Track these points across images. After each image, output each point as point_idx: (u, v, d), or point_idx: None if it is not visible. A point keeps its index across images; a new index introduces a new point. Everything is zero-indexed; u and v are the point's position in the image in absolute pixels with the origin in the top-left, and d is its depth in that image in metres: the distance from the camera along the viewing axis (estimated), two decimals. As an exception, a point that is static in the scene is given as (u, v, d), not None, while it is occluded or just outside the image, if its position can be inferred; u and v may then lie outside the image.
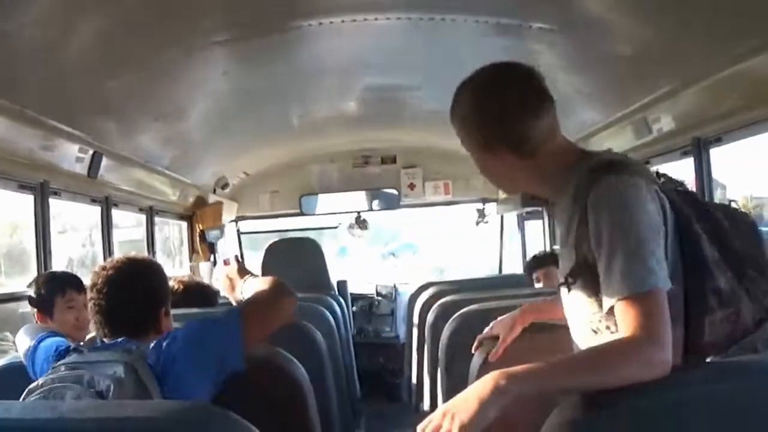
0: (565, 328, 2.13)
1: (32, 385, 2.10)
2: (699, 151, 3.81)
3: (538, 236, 7.43)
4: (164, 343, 2.21)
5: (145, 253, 4.09)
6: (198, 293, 3.85)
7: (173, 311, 3.26)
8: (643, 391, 1.40)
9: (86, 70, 3.38)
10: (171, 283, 3.84)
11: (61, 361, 2.18)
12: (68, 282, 3.44)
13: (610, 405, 1.36)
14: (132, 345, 2.23)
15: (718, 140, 3.72)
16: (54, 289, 3.38)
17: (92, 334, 2.40)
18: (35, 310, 3.39)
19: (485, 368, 2.30)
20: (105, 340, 2.30)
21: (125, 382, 2.07)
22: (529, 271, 5.10)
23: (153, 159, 5.21)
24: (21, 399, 2.06)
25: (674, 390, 1.41)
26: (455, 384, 3.00)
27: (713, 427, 1.35)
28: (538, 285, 4.92)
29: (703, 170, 3.82)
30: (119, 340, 2.25)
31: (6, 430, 1.40)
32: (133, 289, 2.38)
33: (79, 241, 5.58)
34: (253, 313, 2.35)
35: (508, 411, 1.52)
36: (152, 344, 2.22)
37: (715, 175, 3.87)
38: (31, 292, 3.41)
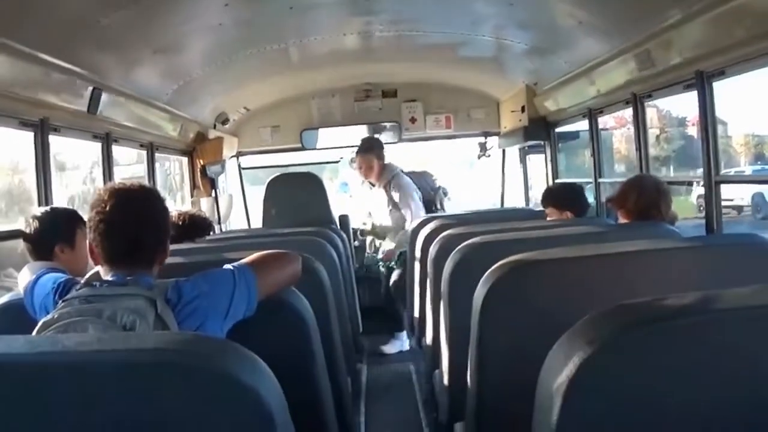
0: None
1: (46, 318, 2.06)
2: (702, 84, 3.78)
3: (540, 170, 7.42)
4: (183, 284, 2.19)
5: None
6: (193, 224, 3.95)
7: (187, 245, 3.27)
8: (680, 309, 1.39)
9: (85, 4, 3.33)
10: (172, 219, 3.89)
11: (72, 294, 2.13)
12: (81, 218, 3.27)
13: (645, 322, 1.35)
14: (149, 280, 2.21)
15: (721, 73, 3.68)
16: (74, 224, 3.26)
17: (95, 269, 2.32)
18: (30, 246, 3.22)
19: (488, 301, 2.30)
20: (108, 276, 2.24)
21: (148, 317, 2.05)
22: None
23: (153, 94, 5.17)
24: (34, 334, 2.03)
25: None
26: (458, 318, 3.01)
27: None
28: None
29: (706, 104, 3.80)
30: (136, 275, 2.20)
31: (17, 366, 1.39)
32: (149, 214, 2.31)
33: (79, 178, 5.56)
34: (264, 270, 2.36)
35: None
36: (171, 285, 2.18)
37: (716, 112, 3.85)
38: (30, 230, 3.23)
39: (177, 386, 1.37)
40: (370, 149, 6.57)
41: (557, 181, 6.99)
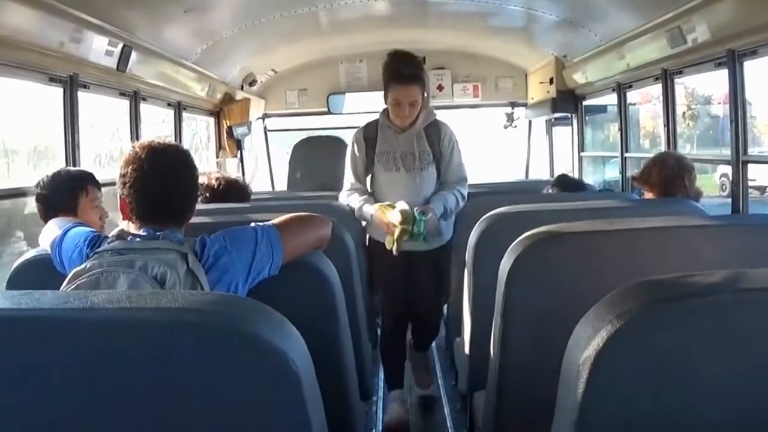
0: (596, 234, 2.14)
1: (78, 268, 2.08)
2: (733, 63, 3.75)
3: (566, 142, 7.39)
4: (207, 240, 2.22)
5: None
6: (237, 189, 3.94)
7: (214, 205, 3.29)
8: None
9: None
10: (209, 180, 3.91)
11: (105, 247, 2.16)
12: (89, 179, 3.18)
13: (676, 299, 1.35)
14: (179, 236, 2.24)
15: (753, 53, 3.65)
16: (76, 188, 3.11)
17: (120, 226, 2.33)
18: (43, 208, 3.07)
19: (514, 272, 2.29)
20: (140, 231, 2.25)
21: (179, 270, 2.08)
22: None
23: (182, 53, 5.17)
24: (64, 286, 2.05)
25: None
26: (481, 288, 3.01)
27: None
28: None
29: (736, 83, 3.76)
30: (166, 231, 2.22)
31: (45, 320, 1.40)
32: (183, 173, 2.33)
33: (106, 136, 5.58)
34: (290, 231, 2.37)
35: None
36: (197, 239, 2.22)
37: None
38: (46, 192, 3.08)
39: (205, 347, 1.37)
40: (418, 77, 4.15)
41: (583, 153, 6.96)
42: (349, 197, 4.24)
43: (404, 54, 4.15)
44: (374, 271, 4.35)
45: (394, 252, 3.99)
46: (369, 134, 4.31)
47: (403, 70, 4.10)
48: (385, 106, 4.26)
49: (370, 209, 4.11)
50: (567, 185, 4.65)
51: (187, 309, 1.41)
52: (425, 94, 4.22)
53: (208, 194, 3.84)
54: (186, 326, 1.39)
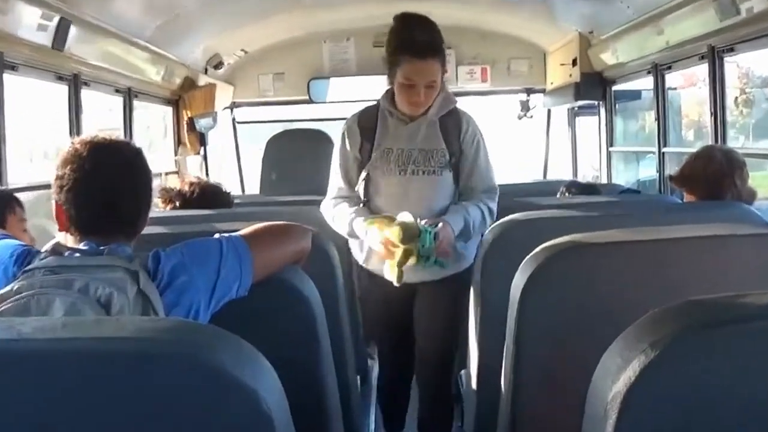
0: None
1: (2, 291, 2.03)
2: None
3: (592, 135, 7.40)
4: (161, 255, 2.19)
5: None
6: (212, 196, 3.86)
7: (188, 212, 3.27)
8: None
9: None
10: (182, 185, 3.87)
11: (36, 264, 2.12)
12: (13, 197, 3.29)
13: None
14: (128, 251, 2.20)
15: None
16: (3, 207, 3.21)
17: (56, 238, 2.31)
18: None
19: (529, 291, 2.29)
20: (80, 245, 2.23)
21: (128, 291, 2.04)
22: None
23: (133, 29, 5.16)
24: None
25: None
26: (491, 310, 3.00)
27: None
28: None
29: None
30: (113, 245, 2.18)
31: None
32: (133, 175, 2.30)
33: (41, 127, 5.57)
34: (262, 244, 2.36)
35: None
36: (150, 254, 2.19)
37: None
38: None
39: (158, 384, 1.35)
40: (438, 49, 3.74)
41: (612, 149, 6.96)
42: (334, 208, 3.80)
43: (419, 18, 3.76)
44: (365, 312, 4.02)
45: (395, 282, 3.51)
46: (366, 124, 3.85)
47: (418, 39, 3.64)
48: (387, 88, 3.81)
49: (363, 224, 3.61)
50: (580, 192, 4.57)
51: (137, 338, 1.39)
52: (445, 73, 3.76)
53: (178, 203, 3.80)
54: (136, 359, 1.36)
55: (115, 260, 2.11)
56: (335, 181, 3.87)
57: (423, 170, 3.76)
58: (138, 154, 2.35)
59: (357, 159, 3.82)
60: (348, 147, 3.83)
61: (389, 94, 3.81)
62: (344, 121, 3.94)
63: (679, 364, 1.28)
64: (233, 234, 2.35)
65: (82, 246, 2.19)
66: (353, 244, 3.90)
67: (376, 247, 3.57)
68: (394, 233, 3.43)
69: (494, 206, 3.77)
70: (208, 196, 3.85)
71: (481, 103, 8.60)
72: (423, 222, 3.47)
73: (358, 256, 3.90)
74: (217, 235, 2.33)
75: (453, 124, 3.82)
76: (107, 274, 2.06)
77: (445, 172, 3.77)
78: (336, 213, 3.78)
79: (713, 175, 3.49)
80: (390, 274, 3.51)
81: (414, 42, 3.62)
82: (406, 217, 3.47)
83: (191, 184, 3.85)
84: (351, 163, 3.84)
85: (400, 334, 3.99)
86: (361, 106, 4.00)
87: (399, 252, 3.45)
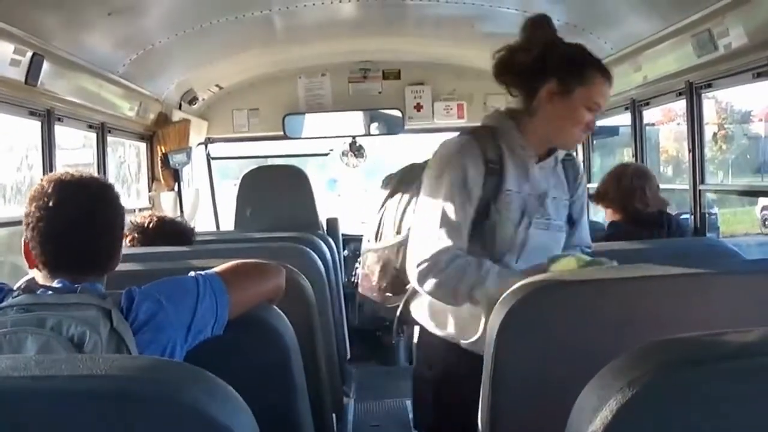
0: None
1: None
2: (780, 72, 3.77)
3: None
4: (136, 293, 2.20)
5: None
6: (173, 232, 3.89)
7: (160, 249, 3.27)
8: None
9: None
10: (140, 218, 3.88)
11: (7, 303, 2.11)
12: None
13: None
14: (101, 288, 2.22)
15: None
16: None
17: (29, 275, 2.31)
18: None
19: (506, 328, 2.29)
20: (52, 283, 2.22)
21: (101, 330, 2.04)
22: None
23: (106, 65, 5.15)
24: None
25: None
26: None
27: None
28: None
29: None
30: (84, 283, 2.18)
31: None
32: (102, 211, 2.31)
33: (12, 164, 5.54)
34: (237, 282, 2.36)
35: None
36: (123, 292, 2.19)
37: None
38: None
39: (133, 422, 1.35)
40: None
41: (590, 185, 6.97)
42: (452, 265, 2.93)
43: None
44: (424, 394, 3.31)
45: None
46: (491, 156, 3.05)
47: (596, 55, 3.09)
48: (496, 109, 3.28)
49: (511, 276, 2.76)
50: None
51: (111, 377, 1.38)
52: None
53: (137, 234, 3.82)
54: (111, 398, 1.36)
55: (89, 298, 2.11)
56: (448, 224, 2.96)
57: (551, 223, 3.12)
58: (105, 188, 2.36)
59: (478, 200, 3.02)
60: (469, 184, 3.00)
61: (511, 122, 3.14)
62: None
63: (656, 404, 1.28)
64: (209, 272, 2.35)
65: (55, 284, 2.19)
66: (450, 315, 3.14)
67: None
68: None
69: None
70: (166, 226, 3.93)
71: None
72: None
73: (457, 329, 3.14)
74: (192, 273, 2.33)
75: (571, 168, 3.28)
76: (80, 313, 2.06)
77: (566, 226, 3.22)
78: (459, 272, 2.92)
79: (625, 189, 3.73)
80: None
81: (597, 58, 3.11)
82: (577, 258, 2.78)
83: (149, 216, 3.89)
84: (468, 206, 2.99)
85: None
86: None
87: None
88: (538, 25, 3.08)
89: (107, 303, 2.11)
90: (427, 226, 2.98)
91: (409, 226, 3.15)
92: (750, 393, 1.30)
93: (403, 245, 3.17)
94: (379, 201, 3.41)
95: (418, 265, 2.95)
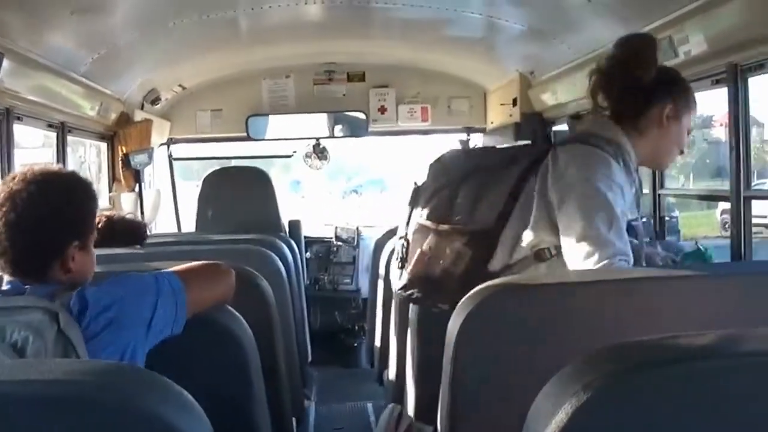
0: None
1: None
2: (735, 79, 3.77)
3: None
4: (91, 292, 2.16)
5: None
6: (124, 231, 3.85)
7: (106, 251, 3.22)
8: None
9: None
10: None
11: None
12: None
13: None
14: (50, 290, 2.16)
15: (759, 67, 3.67)
16: None
17: None
18: None
19: (465, 331, 2.29)
20: (3, 285, 2.20)
21: (46, 334, 2.00)
22: None
23: (67, 63, 5.12)
24: None
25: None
26: (427, 350, 3.00)
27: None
28: None
29: (738, 103, 3.78)
30: (37, 284, 2.16)
31: None
32: (58, 207, 2.27)
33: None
34: (193, 282, 2.35)
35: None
36: (75, 292, 2.14)
37: (752, 111, 3.84)
38: None
39: (87, 426, 1.33)
40: None
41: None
42: None
43: None
44: None
45: None
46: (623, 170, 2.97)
47: None
48: (607, 122, 3.07)
49: None
50: None
51: (59, 381, 1.37)
52: None
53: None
54: (61, 403, 1.34)
55: (35, 301, 2.06)
56: (611, 234, 2.71)
57: None
58: (60, 180, 2.32)
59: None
60: (624, 196, 2.89)
61: (626, 138, 3.03)
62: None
63: (611, 408, 1.29)
64: (166, 271, 2.34)
65: (4, 286, 2.16)
66: None
67: None
68: None
69: None
70: (116, 225, 3.90)
71: (425, 140, 8.63)
72: None
73: None
74: (150, 273, 2.31)
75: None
76: (24, 317, 2.02)
77: None
78: None
79: None
80: None
81: None
82: None
83: (98, 216, 3.87)
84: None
85: None
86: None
87: None
88: (652, 45, 3.06)
89: (55, 305, 2.07)
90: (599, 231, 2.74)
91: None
92: (703, 396, 1.30)
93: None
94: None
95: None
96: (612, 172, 2.85)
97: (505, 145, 5.45)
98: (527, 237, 2.82)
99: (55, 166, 2.42)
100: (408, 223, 3.22)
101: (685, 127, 3.07)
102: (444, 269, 2.95)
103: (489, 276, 2.71)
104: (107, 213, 3.95)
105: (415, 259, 3.06)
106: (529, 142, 6.86)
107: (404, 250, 3.15)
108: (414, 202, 3.24)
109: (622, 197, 2.82)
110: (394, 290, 3.29)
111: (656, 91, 2.99)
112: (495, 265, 2.85)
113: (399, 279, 3.16)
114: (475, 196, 3.01)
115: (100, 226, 3.80)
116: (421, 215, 3.12)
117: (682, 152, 3.13)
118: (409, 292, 3.09)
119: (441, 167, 3.27)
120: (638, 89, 3.00)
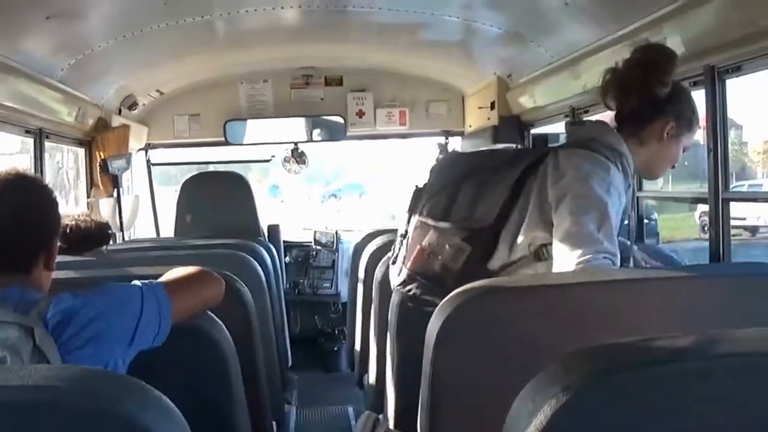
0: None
1: None
2: (712, 81, 3.78)
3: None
4: (72, 303, 2.12)
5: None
6: (88, 233, 3.85)
7: (84, 258, 3.19)
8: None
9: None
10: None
11: None
12: None
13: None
14: (30, 295, 2.12)
15: (736, 69, 3.68)
16: None
17: None
18: None
19: (444, 334, 2.29)
20: None
21: (22, 351, 1.95)
22: None
23: (44, 69, 5.10)
24: None
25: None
26: (407, 354, 3.00)
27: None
28: None
29: (716, 105, 3.79)
30: (9, 289, 2.11)
31: None
32: (27, 211, 2.25)
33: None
34: (179, 291, 2.33)
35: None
36: (52, 302, 2.11)
37: (730, 113, 3.85)
38: None
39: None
40: None
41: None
42: None
43: None
44: None
45: None
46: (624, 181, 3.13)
47: None
48: (621, 141, 3.15)
49: None
50: None
51: (39, 387, 1.36)
52: None
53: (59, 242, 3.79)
54: (40, 409, 1.33)
55: (7, 315, 1.99)
56: (606, 234, 2.78)
57: None
58: (23, 182, 2.28)
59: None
60: (618, 198, 3.00)
61: (624, 143, 3.17)
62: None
63: (590, 409, 1.29)
64: (152, 281, 2.32)
65: None
66: None
67: None
68: None
69: None
70: (82, 230, 3.90)
71: (403, 144, 8.63)
72: None
73: None
74: (136, 282, 2.29)
75: None
76: (2, 333, 1.96)
77: None
78: None
79: None
80: None
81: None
82: None
83: (66, 224, 3.85)
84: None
85: None
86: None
87: None
88: (673, 60, 3.19)
89: (30, 319, 2.01)
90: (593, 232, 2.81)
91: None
92: (681, 397, 1.31)
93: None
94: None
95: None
96: (610, 176, 2.97)
97: (502, 146, 5.43)
98: (522, 235, 2.92)
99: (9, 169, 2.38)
100: (408, 222, 3.31)
101: (683, 146, 3.23)
102: (443, 265, 3.02)
103: (488, 274, 2.84)
104: (69, 221, 3.92)
105: (414, 255, 3.15)
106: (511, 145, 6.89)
107: (404, 247, 3.25)
108: (415, 202, 3.33)
109: (619, 201, 2.94)
110: (392, 286, 3.33)
111: (665, 106, 3.14)
112: (494, 263, 2.94)
113: (398, 275, 3.25)
114: (475, 195, 3.10)
115: (69, 231, 3.79)
116: (421, 212, 3.22)
117: (673, 167, 3.28)
118: (408, 287, 3.16)
119: (443, 168, 3.39)
120: (650, 102, 3.13)
